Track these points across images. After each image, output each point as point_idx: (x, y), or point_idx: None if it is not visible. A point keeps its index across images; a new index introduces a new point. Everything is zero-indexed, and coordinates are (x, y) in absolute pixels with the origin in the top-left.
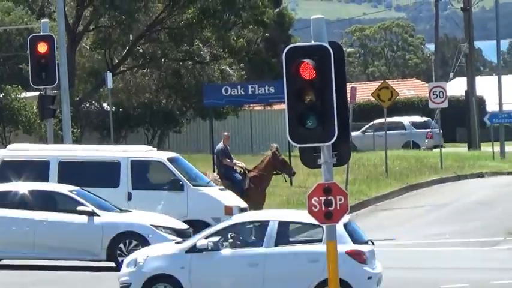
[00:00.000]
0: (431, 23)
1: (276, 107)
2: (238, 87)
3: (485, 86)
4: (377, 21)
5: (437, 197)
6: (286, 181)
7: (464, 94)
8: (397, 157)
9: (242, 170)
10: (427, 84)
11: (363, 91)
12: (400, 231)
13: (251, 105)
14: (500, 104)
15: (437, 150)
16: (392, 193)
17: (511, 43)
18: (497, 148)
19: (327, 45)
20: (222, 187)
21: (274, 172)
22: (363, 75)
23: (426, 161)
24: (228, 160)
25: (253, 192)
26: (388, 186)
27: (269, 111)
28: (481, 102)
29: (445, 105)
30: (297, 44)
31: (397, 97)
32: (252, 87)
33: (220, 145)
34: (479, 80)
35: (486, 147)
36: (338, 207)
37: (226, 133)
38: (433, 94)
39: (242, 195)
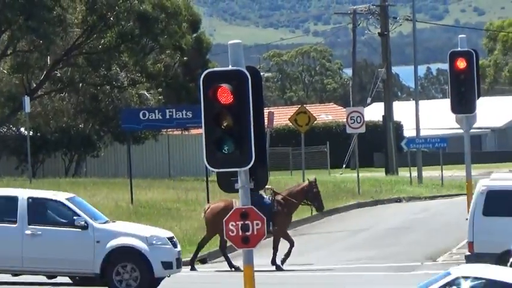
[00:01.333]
0: (349, 48)
1: (194, 131)
2: (156, 111)
3: (403, 111)
4: (295, 46)
5: (356, 221)
6: (312, 214)
7: (381, 119)
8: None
9: (273, 192)
10: (344, 109)
11: (281, 116)
12: (319, 255)
13: (169, 129)
14: (418, 129)
15: (355, 175)
16: (311, 218)
17: (428, 69)
18: (414, 173)
19: (244, 70)
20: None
21: (304, 201)
22: (281, 100)
23: (343, 185)
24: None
25: (282, 217)
26: (306, 210)
27: (186, 135)
28: (399, 127)
29: (363, 130)
30: (215, 69)
31: (315, 122)
32: (169, 112)
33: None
34: (396, 105)
35: (403, 172)
36: (255, 232)
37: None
38: (351, 119)
39: (269, 218)
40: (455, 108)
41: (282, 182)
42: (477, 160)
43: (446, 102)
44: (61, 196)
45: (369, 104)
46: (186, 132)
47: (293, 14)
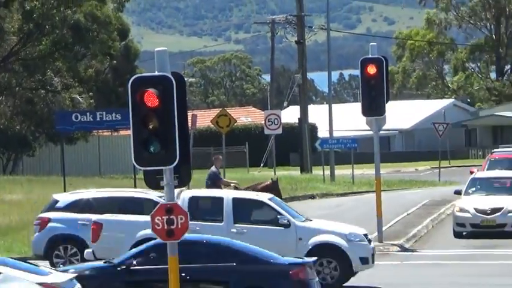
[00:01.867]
0: (268, 55)
1: (123, 132)
2: (88, 114)
3: (317, 114)
4: (217, 53)
5: None
6: None
7: (297, 121)
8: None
9: (236, 187)
10: (262, 112)
11: (203, 118)
12: None
13: (99, 130)
14: (331, 131)
15: (272, 173)
16: None
17: (341, 74)
18: (327, 171)
19: (169, 75)
20: None
21: None
22: (204, 104)
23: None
24: (225, 180)
25: None
26: None
27: (116, 136)
28: (313, 129)
29: (280, 131)
30: (142, 75)
31: (235, 124)
32: (100, 114)
33: (214, 169)
34: (311, 108)
35: (317, 171)
36: (179, 226)
37: (220, 157)
38: (269, 121)
39: None
40: (365, 112)
41: (202, 180)
42: (386, 160)
43: (358, 105)
44: (264, 196)
45: (285, 107)
46: (116, 134)
47: (216, 23)
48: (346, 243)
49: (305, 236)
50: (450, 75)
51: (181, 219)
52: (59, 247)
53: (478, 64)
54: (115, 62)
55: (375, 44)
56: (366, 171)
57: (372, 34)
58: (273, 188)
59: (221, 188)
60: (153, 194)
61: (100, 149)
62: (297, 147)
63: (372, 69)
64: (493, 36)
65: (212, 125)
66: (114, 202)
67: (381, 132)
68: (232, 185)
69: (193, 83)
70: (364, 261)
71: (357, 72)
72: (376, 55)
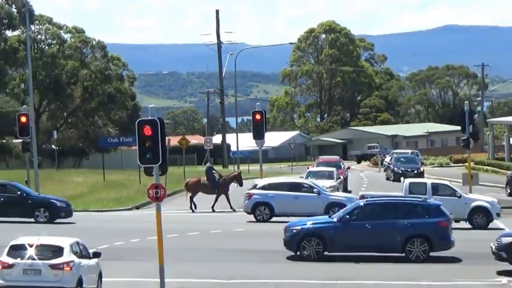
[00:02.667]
0: (205, 109)
1: (133, 147)
2: (115, 138)
3: (231, 139)
4: (180, 107)
5: None
6: (238, 186)
7: (221, 142)
8: (191, 171)
9: (219, 176)
10: (203, 137)
11: (174, 141)
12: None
13: (121, 146)
14: (237, 147)
15: None
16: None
17: (243, 119)
18: (236, 167)
19: (156, 119)
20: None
21: (234, 181)
22: (174, 133)
23: (202, 172)
24: (215, 172)
25: (222, 187)
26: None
27: (129, 150)
28: (228, 146)
29: (212, 147)
30: (143, 118)
31: (189, 143)
32: (121, 138)
33: (209, 165)
34: (228, 136)
35: (231, 167)
36: (161, 195)
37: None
38: (206, 142)
39: (217, 188)
40: (255, 137)
41: (175, 172)
42: (265, 161)
43: (250, 135)
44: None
45: (215, 135)
46: (129, 148)
47: (180, 92)
48: (490, 205)
49: (468, 202)
50: (297, 119)
51: (162, 191)
52: (259, 207)
53: (311, 114)
54: (129, 111)
55: (259, 103)
56: (254, 167)
57: (258, 98)
58: (238, 177)
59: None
60: (302, 180)
61: (122, 156)
62: (221, 155)
63: (258, 116)
64: (318, 100)
65: (178, 144)
66: (285, 185)
67: (263, 147)
68: (216, 173)
69: (168, 123)
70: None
71: (250, 117)
72: (259, 109)
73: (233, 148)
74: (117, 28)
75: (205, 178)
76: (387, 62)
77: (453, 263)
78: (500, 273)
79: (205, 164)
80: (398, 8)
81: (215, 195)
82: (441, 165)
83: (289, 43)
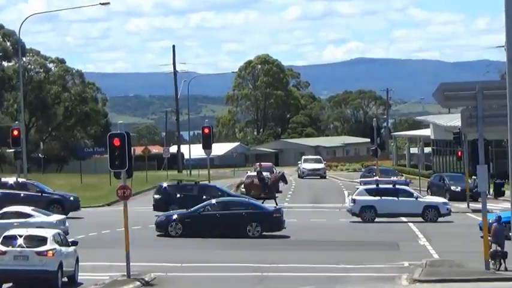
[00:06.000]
0: (164, 125)
1: (106, 156)
2: (90, 148)
3: (185, 149)
4: (143, 123)
5: None
6: (283, 185)
7: (176, 151)
8: (152, 175)
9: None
10: (162, 147)
11: (138, 150)
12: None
13: (95, 155)
14: (190, 155)
15: None
16: (148, 189)
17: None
18: (188, 171)
19: (124, 132)
20: None
21: (281, 181)
22: (138, 144)
23: (161, 176)
24: (263, 173)
25: (272, 187)
26: (146, 186)
27: (102, 157)
28: (183, 155)
29: (169, 155)
30: (113, 132)
31: (151, 152)
32: (95, 148)
33: (258, 169)
34: (182, 146)
35: (184, 172)
36: (128, 194)
37: (258, 163)
38: (164, 151)
39: (268, 188)
40: (204, 147)
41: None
42: (213, 167)
43: (201, 145)
44: None
45: (171, 146)
46: (102, 156)
47: (143, 110)
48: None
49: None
50: (238, 133)
51: (128, 191)
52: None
53: (249, 128)
54: (102, 127)
55: (207, 120)
56: (204, 171)
57: (206, 116)
58: (281, 177)
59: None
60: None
61: (96, 163)
62: (176, 162)
63: (206, 130)
64: (255, 117)
65: (142, 153)
66: (388, 190)
67: (211, 156)
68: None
69: (133, 136)
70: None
71: (200, 131)
72: (207, 125)
73: (186, 156)
74: (92, 59)
75: (257, 180)
76: (310, 87)
77: (376, 251)
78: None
79: (163, 169)
80: (319, 42)
81: (265, 195)
82: (354, 170)
83: (232, 72)
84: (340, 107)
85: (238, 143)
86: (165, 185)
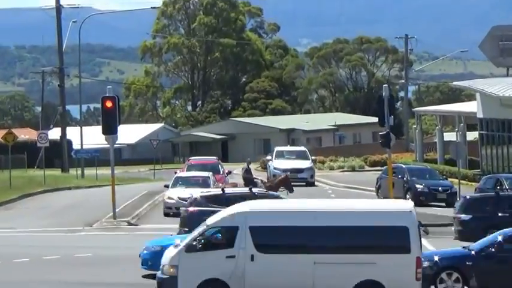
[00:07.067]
0: (40, 94)
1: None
2: None
3: (73, 133)
4: (6, 93)
5: (42, 201)
6: (287, 193)
7: (59, 138)
8: (20, 176)
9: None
10: (36, 132)
11: None
12: (19, 222)
13: None
14: (81, 144)
15: (42, 172)
16: (14, 199)
17: (89, 107)
18: (79, 171)
19: None
20: None
21: (282, 187)
22: None
23: (35, 178)
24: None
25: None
26: (11, 194)
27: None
28: (70, 143)
29: (47, 144)
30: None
31: (17, 139)
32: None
33: (245, 166)
34: (69, 129)
35: (73, 171)
36: None
37: (249, 159)
38: (40, 138)
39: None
40: (105, 132)
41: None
42: (118, 164)
43: (100, 127)
44: None
45: (51, 129)
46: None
47: (5, 72)
48: None
49: None
50: (161, 108)
51: None
52: None
53: (180, 101)
54: None
55: (110, 86)
56: (104, 171)
57: (110, 80)
58: (285, 181)
59: (253, 181)
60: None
61: None
62: (60, 154)
63: (109, 104)
64: (189, 82)
65: (2, 140)
66: None
67: (115, 145)
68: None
69: None
70: None
71: (99, 105)
72: (111, 94)
73: (76, 146)
74: None
75: (243, 183)
76: (280, 33)
77: None
78: None
79: (38, 168)
80: None
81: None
82: (353, 169)
83: (152, 7)
84: (328, 65)
85: (162, 125)
86: None
